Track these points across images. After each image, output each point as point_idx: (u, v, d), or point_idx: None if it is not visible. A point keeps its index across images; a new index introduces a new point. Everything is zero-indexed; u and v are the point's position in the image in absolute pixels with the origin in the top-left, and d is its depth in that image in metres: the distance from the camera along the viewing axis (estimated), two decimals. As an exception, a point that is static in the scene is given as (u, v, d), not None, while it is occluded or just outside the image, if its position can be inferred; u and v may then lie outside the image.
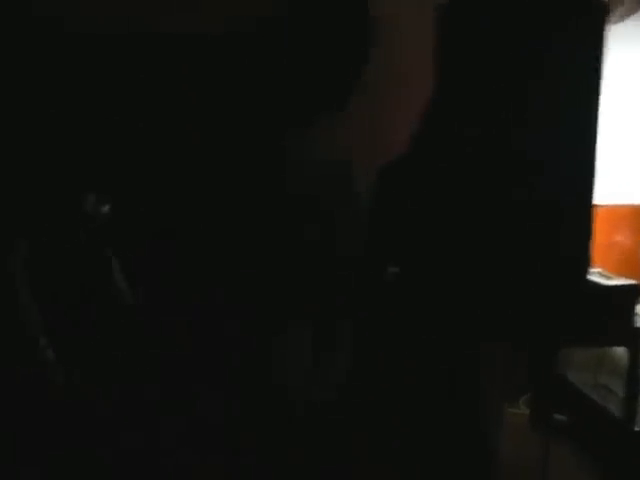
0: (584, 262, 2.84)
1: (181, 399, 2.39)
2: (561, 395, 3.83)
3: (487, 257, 2.55)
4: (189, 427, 2.36)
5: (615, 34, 3.16)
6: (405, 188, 2.64)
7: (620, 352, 3.36)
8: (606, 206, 4.00)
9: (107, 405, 2.21)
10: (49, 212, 2.26)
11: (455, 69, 2.81)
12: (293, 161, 2.42)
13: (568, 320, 2.74)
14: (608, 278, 3.02)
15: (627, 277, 3.26)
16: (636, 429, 3.15)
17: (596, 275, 3.03)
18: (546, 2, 2.64)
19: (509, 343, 2.75)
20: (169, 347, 2.53)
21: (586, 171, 2.78)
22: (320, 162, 2.30)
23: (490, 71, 2.70)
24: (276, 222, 2.52)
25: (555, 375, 3.64)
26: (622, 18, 3.27)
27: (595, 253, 3.44)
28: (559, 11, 2.69)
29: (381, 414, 2.57)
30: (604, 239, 4.15)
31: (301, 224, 2.50)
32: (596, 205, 3.30)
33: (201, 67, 2.31)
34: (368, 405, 2.56)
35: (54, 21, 2.13)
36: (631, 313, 2.95)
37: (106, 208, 2.37)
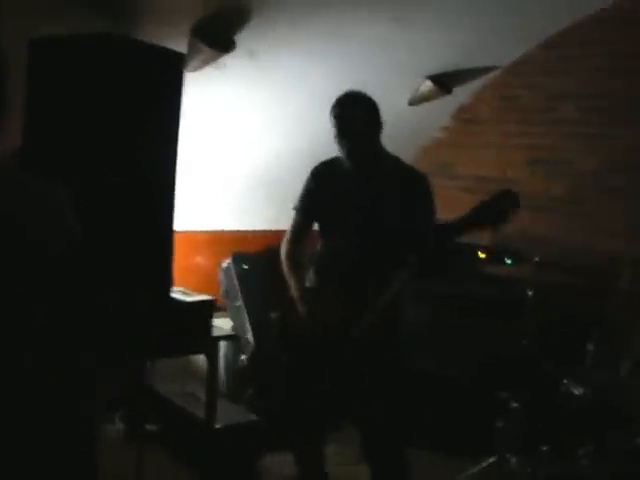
0: (167, 282, 3.18)
1: None
2: (152, 406, 4.13)
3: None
4: None
5: (193, 81, 3.58)
6: None
7: (201, 360, 3.78)
8: (187, 232, 4.46)
9: None
10: None
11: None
12: None
13: (155, 334, 3.04)
14: (189, 295, 3.40)
15: (207, 294, 3.69)
16: (216, 426, 3.58)
17: (178, 293, 3.39)
18: (127, 51, 2.91)
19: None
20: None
21: (167, 201, 3.12)
22: None
23: (71, 115, 2.85)
24: None
25: (145, 388, 3.93)
26: (200, 67, 3.71)
27: (179, 275, 3.84)
28: (140, 60, 2.97)
29: None
30: (186, 262, 4.60)
31: None
32: (177, 231, 3.69)
33: None
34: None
35: None
36: (209, 324, 3.37)
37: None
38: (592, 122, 4.54)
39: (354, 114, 2.98)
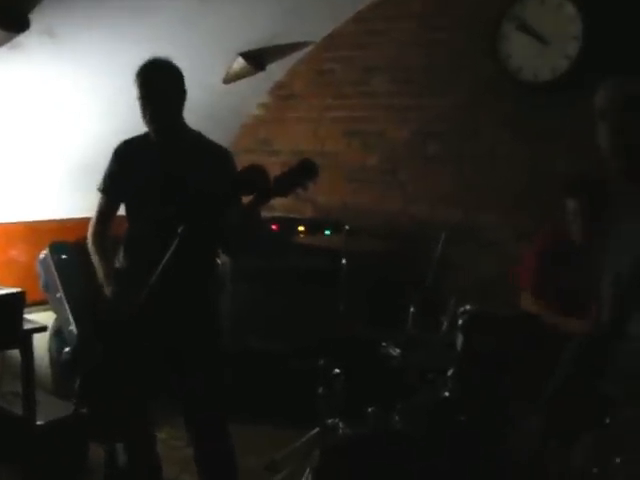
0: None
1: None
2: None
3: None
4: None
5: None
6: None
7: (17, 356, 3.62)
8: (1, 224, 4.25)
9: None
10: None
11: None
12: None
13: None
14: (-3, 289, 3.24)
15: (24, 288, 3.53)
16: (38, 423, 3.45)
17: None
18: None
19: None
20: None
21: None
22: None
23: None
24: None
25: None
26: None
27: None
28: None
29: None
30: (1, 256, 4.39)
31: None
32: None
33: None
34: None
35: None
36: (19, 317, 3.23)
37: None
38: (402, 93, 4.71)
39: (159, 79, 2.97)
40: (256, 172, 2.72)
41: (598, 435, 1.86)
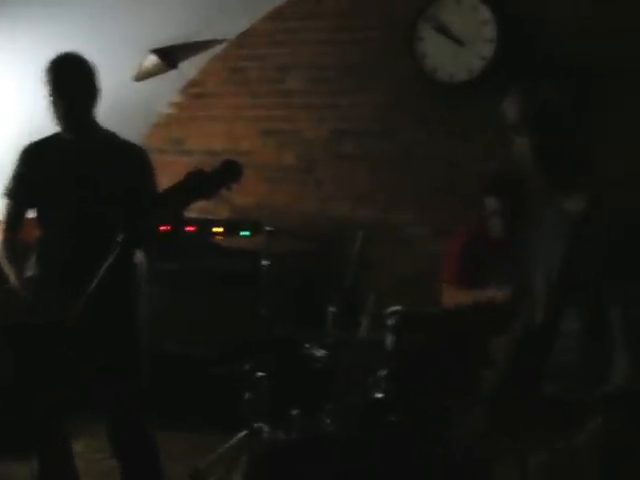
0: None
1: None
2: None
3: None
4: None
5: None
6: None
7: None
8: None
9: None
10: None
11: None
12: None
13: None
14: None
15: None
16: None
17: None
18: None
19: None
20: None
21: None
22: None
23: None
24: None
25: None
26: None
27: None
28: None
29: None
30: None
31: None
32: None
33: None
34: None
35: None
36: None
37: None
38: (319, 92, 4.70)
39: (70, 74, 2.85)
40: (204, 177, 2.61)
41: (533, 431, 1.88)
